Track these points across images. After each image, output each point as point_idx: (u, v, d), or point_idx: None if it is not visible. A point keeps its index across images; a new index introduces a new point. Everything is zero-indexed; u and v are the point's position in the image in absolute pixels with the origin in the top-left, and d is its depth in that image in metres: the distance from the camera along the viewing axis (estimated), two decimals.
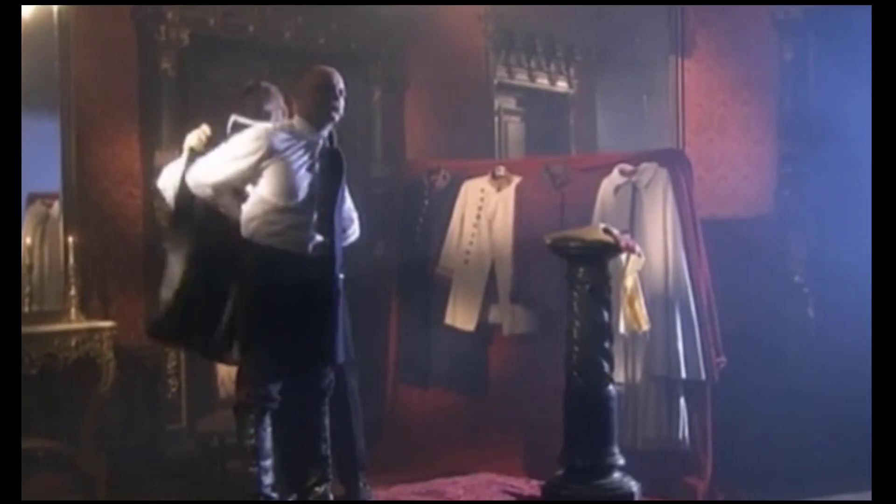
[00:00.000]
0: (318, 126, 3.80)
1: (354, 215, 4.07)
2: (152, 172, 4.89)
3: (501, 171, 5.41)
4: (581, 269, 4.21)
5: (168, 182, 4.04)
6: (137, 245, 5.25)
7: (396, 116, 6.26)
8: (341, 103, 3.83)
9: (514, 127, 7.26)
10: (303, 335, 3.66)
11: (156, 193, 4.64)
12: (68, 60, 4.99)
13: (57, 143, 4.97)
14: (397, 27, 6.24)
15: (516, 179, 5.38)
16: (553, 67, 7.35)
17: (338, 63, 5.26)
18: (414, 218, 5.60)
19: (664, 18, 6.04)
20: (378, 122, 6.19)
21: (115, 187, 5.24)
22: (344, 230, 3.87)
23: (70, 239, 4.93)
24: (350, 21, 6.01)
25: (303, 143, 3.75)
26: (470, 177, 5.48)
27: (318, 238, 3.71)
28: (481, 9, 6.50)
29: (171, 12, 5.28)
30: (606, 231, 4.28)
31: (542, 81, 7.31)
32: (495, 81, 6.68)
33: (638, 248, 4.40)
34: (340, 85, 3.83)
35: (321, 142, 3.83)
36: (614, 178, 5.02)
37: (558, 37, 7.25)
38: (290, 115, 3.97)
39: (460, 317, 5.31)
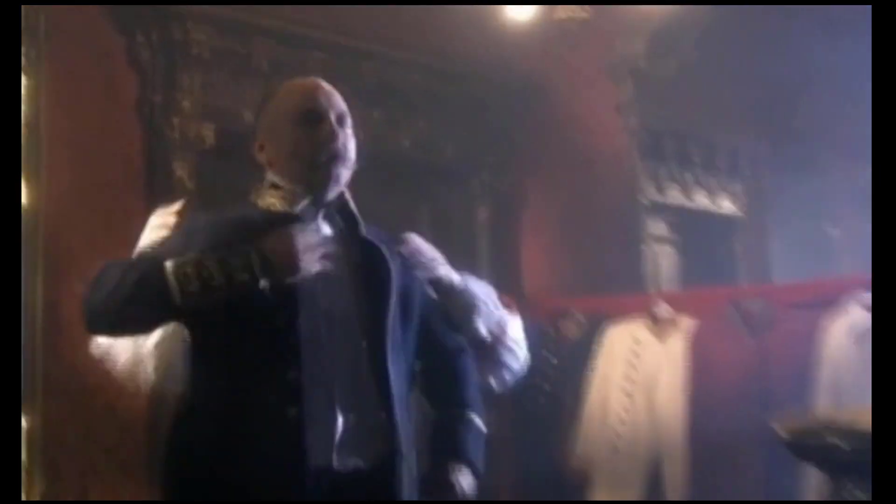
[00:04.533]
0: (311, 189, 2.02)
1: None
2: None
3: (664, 310, 4.55)
4: (849, 484, 2.50)
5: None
6: (137, 427, 4.11)
7: (510, 243, 5.60)
8: (348, 140, 2.01)
9: (666, 257, 6.49)
10: None
11: None
12: (38, 167, 3.88)
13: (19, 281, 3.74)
14: (507, 125, 5.45)
15: (688, 323, 4.53)
16: (714, 182, 6.65)
17: (431, 175, 4.91)
18: (535, 382, 4.74)
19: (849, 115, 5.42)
20: (485, 250, 5.44)
21: None
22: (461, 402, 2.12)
23: (26, 420, 3.81)
24: (444, 117, 5.17)
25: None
26: (615, 321, 4.73)
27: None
28: (619, 96, 5.61)
29: (187, 100, 4.24)
30: None
31: (701, 200, 6.61)
32: (643, 200, 5.95)
33: None
34: (339, 106, 2.03)
35: (328, 227, 2.02)
36: (853, 318, 3.97)
37: (719, 142, 6.58)
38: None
39: None
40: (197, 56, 4.21)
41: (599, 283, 5.34)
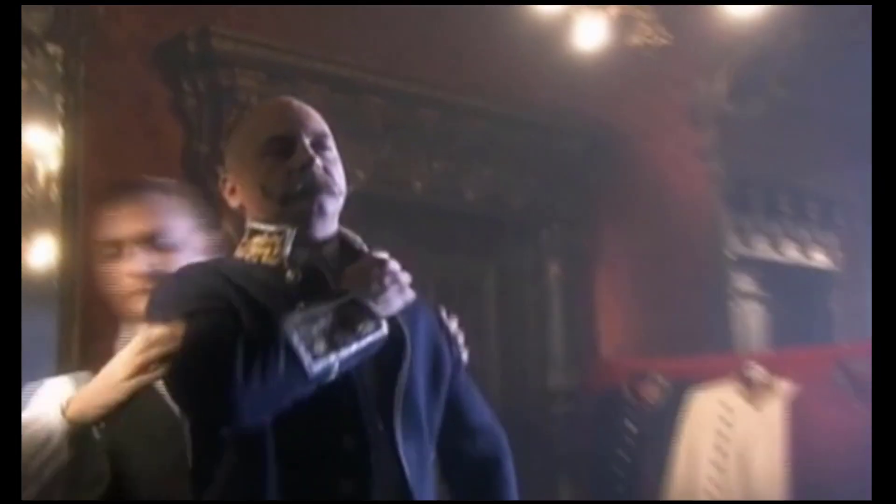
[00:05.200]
0: (291, 228, 1.67)
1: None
2: None
3: (758, 373, 4.27)
4: None
5: None
6: None
7: (583, 300, 5.38)
8: (332, 164, 1.67)
9: (754, 315, 6.27)
10: None
11: None
12: (74, 222, 3.64)
13: (52, 344, 3.64)
14: (579, 174, 5.25)
15: (786, 387, 4.25)
16: (805, 234, 6.49)
17: (497, 229, 4.83)
18: (613, 452, 4.64)
19: None
20: (556, 308, 5.21)
21: None
22: None
23: None
24: (510, 166, 4.95)
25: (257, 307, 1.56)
26: (702, 385, 4.49)
27: None
28: (701, 140, 5.40)
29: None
30: None
31: (791, 253, 6.44)
32: (728, 254, 5.70)
33: None
34: (315, 125, 1.70)
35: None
36: None
37: (811, 190, 6.43)
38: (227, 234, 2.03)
39: None
40: (245, 103, 3.98)
41: (683, 343, 5.09)
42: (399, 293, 1.57)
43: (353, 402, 1.54)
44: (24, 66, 3.71)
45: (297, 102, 1.70)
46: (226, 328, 1.44)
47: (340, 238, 1.66)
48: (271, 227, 1.61)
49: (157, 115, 3.98)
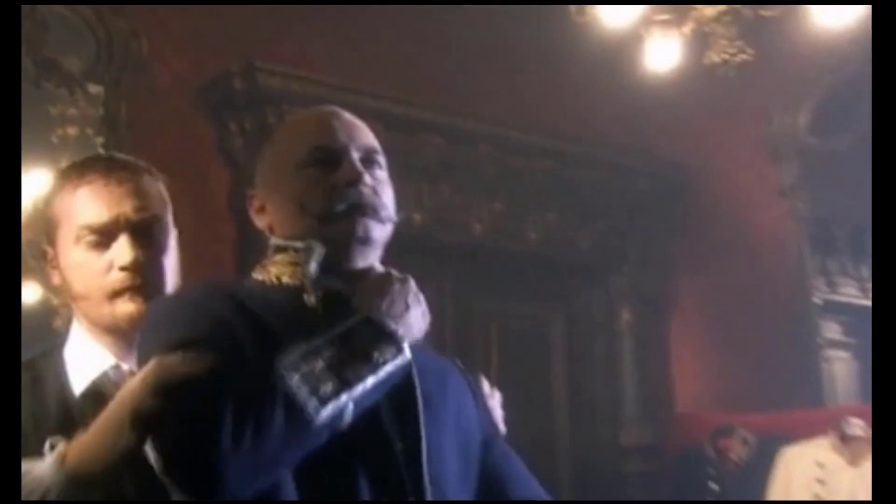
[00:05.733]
0: (328, 249, 1.40)
1: None
2: None
3: (856, 427, 4.12)
4: None
5: None
6: None
7: (657, 349, 5.22)
8: (381, 186, 1.44)
9: (840, 364, 5.96)
10: None
11: None
12: None
13: None
14: (650, 214, 5.07)
15: None
16: None
17: (563, 273, 4.67)
18: None
19: None
20: (627, 358, 5.08)
21: None
22: None
23: None
24: (576, 206, 4.83)
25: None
26: (791, 441, 4.38)
27: None
28: (782, 177, 5.24)
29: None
30: None
31: None
32: (816, 299, 5.54)
33: None
34: (365, 140, 1.46)
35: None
36: None
37: None
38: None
39: None
40: None
41: (767, 395, 4.92)
42: (423, 317, 1.32)
43: (384, 457, 1.30)
44: (63, 108, 3.66)
45: (345, 113, 1.48)
46: (215, 371, 1.18)
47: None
48: (297, 244, 1.37)
49: (202, 157, 3.91)
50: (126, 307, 1.45)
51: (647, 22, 2.68)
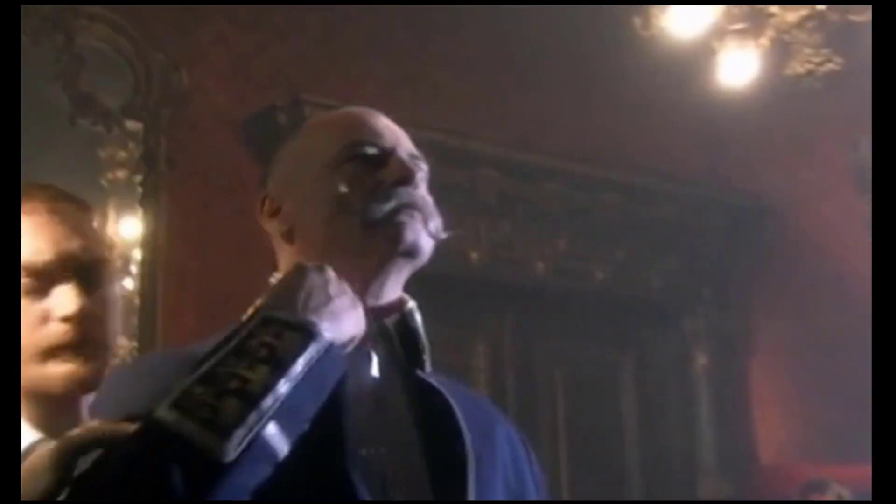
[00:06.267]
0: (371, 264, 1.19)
1: None
2: None
3: None
4: None
5: None
6: None
7: (736, 395, 4.97)
8: (425, 196, 1.20)
9: None
10: None
11: None
12: (154, 309, 3.48)
13: None
14: (727, 250, 4.86)
15: None
16: None
17: (633, 314, 4.49)
18: None
19: None
20: (704, 405, 4.84)
21: None
22: None
23: None
24: (646, 243, 4.64)
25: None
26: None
27: None
28: (868, 209, 4.54)
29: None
30: None
31: None
32: None
33: None
34: (410, 145, 1.25)
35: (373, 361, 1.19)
36: None
37: None
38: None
39: None
40: None
41: (858, 446, 4.42)
42: (352, 306, 1.08)
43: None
44: (112, 151, 3.56)
45: (376, 112, 1.28)
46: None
47: (402, 308, 1.19)
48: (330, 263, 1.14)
49: (246, 194, 3.73)
50: (62, 368, 1.20)
51: (720, 33, 2.44)
